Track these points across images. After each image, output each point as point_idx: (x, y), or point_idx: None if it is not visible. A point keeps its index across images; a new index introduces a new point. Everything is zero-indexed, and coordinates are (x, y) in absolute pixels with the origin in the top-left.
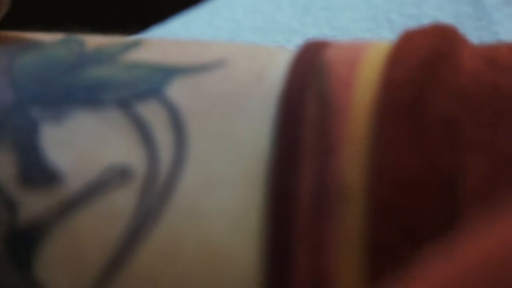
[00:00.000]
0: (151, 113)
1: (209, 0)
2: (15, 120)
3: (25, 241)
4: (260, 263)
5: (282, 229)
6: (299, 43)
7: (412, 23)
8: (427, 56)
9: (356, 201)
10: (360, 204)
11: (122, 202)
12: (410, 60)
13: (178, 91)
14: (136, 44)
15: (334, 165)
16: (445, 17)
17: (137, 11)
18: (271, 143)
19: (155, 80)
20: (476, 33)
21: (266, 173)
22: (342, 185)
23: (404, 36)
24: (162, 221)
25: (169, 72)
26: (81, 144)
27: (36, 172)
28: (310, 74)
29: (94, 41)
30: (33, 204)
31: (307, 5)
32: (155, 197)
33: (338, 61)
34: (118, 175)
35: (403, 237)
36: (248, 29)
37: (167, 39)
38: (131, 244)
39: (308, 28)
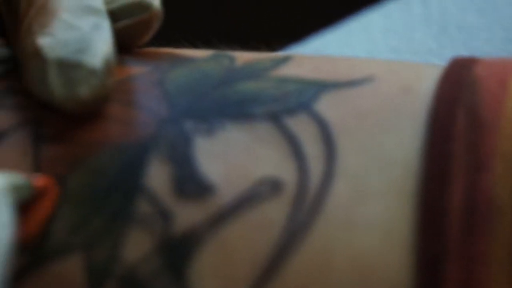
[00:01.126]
0: (301, 127)
1: (345, 20)
2: (170, 133)
3: (179, 251)
4: (411, 275)
5: (433, 241)
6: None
7: None
8: None
9: (507, 217)
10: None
11: (274, 214)
12: None
13: (327, 105)
14: (285, 59)
15: (485, 180)
16: None
17: (278, 29)
18: (420, 157)
19: (305, 95)
20: None
21: (415, 186)
22: (493, 200)
23: None
24: (312, 234)
25: (318, 87)
26: (233, 157)
27: (190, 183)
28: (460, 89)
29: (244, 56)
30: (187, 215)
31: (443, 26)
32: (305, 209)
33: (487, 77)
34: (270, 188)
35: None
36: (384, 49)
37: (316, 56)
38: (282, 256)
39: (444, 48)
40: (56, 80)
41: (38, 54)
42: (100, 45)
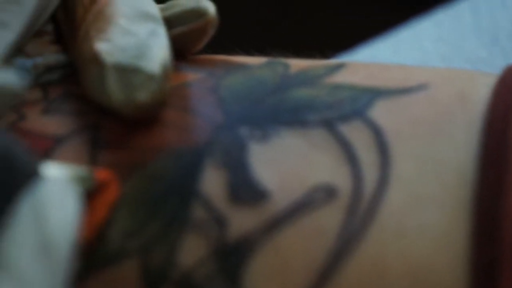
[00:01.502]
0: (356, 133)
1: (396, 29)
2: (225, 139)
3: (235, 256)
4: (465, 283)
5: (488, 249)
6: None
7: None
8: None
9: None
10: None
11: (328, 220)
12: None
13: (382, 112)
14: (339, 67)
15: None
16: None
17: (330, 38)
18: (475, 164)
19: (359, 102)
20: None
21: (470, 193)
22: None
23: None
24: (366, 240)
25: (373, 94)
26: (288, 163)
27: (245, 189)
28: None
29: (298, 64)
30: (241, 221)
31: (494, 35)
32: (360, 216)
33: None
34: (324, 195)
35: None
36: (435, 58)
37: (369, 63)
38: (337, 262)
39: (494, 57)
40: (115, 85)
41: (96, 59)
42: (157, 50)
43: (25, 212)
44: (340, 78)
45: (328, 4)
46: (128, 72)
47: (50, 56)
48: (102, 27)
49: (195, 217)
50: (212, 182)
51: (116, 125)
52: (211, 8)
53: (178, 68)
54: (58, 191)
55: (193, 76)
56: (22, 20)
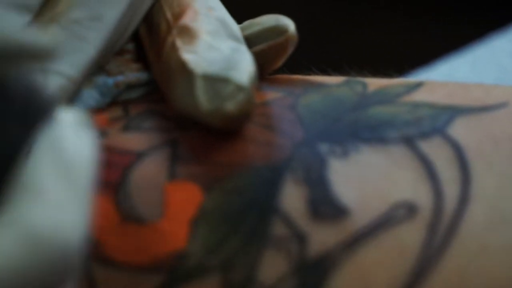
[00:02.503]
0: (436, 150)
1: (473, 45)
2: (305, 155)
3: (315, 273)
4: None
5: None
6: None
7: None
8: None
9: None
10: None
11: (410, 238)
12: None
13: (461, 129)
14: (417, 85)
15: None
16: None
17: (407, 55)
18: None
19: (439, 119)
20: None
21: None
22: None
23: None
24: (448, 258)
25: (452, 112)
26: (368, 180)
27: (326, 205)
28: None
29: (375, 82)
30: (322, 237)
31: None
32: (441, 234)
33: None
34: (406, 212)
35: None
36: None
37: (447, 82)
38: (419, 280)
39: None
40: (203, 95)
41: (184, 68)
42: (245, 64)
43: (45, 141)
44: (419, 96)
45: (405, 20)
46: (218, 82)
47: (131, 74)
48: (188, 41)
49: (275, 233)
50: (292, 198)
51: (196, 140)
52: (292, 26)
53: (258, 88)
54: (73, 126)
55: (272, 95)
56: (103, 36)
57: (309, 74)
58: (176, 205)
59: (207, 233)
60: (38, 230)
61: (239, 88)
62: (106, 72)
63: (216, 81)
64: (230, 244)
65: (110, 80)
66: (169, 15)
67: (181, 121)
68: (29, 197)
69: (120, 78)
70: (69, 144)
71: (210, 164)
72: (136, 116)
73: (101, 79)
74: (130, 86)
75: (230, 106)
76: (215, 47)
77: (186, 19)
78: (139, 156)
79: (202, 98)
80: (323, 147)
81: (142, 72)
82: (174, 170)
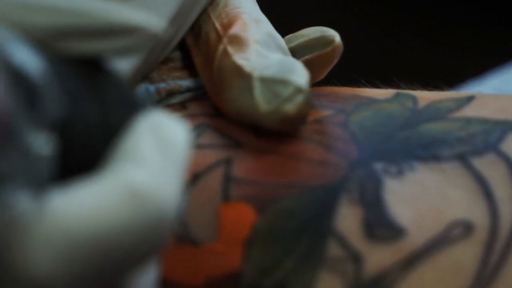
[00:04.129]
0: (490, 167)
1: None
2: (360, 175)
3: None
4: None
5: None
6: None
7: None
8: None
9: None
10: None
11: (466, 257)
12: None
13: None
14: (469, 100)
15: None
16: None
17: (456, 67)
18: None
19: (492, 135)
20: None
21: None
22: None
23: None
24: (504, 277)
25: (505, 127)
26: (424, 199)
27: (381, 226)
28: None
29: (426, 96)
30: (378, 258)
31: None
32: (497, 252)
33: None
34: (462, 231)
35: None
36: None
37: (499, 95)
38: None
39: None
40: (262, 96)
41: (241, 72)
42: (300, 68)
43: (145, 122)
44: (471, 111)
45: (456, 33)
46: (277, 84)
47: (172, 82)
48: (239, 48)
49: (330, 254)
50: (348, 219)
51: (249, 159)
52: (337, 36)
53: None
54: (168, 116)
55: (323, 112)
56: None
57: (358, 87)
58: (230, 226)
59: (261, 254)
60: (140, 186)
61: (298, 90)
62: (148, 79)
63: (274, 83)
64: (284, 265)
65: (151, 87)
66: (218, 25)
67: (235, 138)
68: (130, 162)
69: (162, 85)
70: (167, 126)
71: (264, 184)
72: (191, 131)
73: (144, 86)
74: (170, 93)
75: (289, 107)
76: (265, 55)
77: (236, 29)
78: (195, 177)
79: (261, 99)
80: (378, 166)
81: (184, 80)
82: (227, 192)
